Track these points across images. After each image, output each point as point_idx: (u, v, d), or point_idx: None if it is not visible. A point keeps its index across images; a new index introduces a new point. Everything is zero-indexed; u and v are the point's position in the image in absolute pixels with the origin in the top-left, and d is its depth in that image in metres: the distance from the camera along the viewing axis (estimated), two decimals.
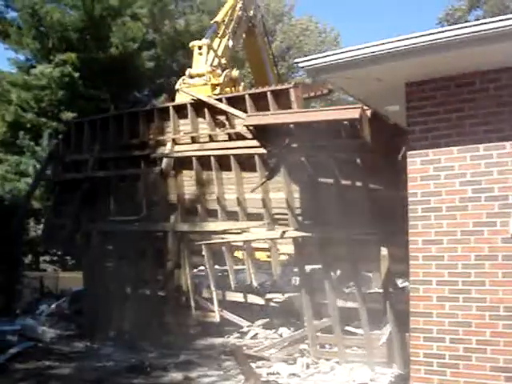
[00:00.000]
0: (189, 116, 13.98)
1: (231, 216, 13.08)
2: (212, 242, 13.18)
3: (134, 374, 10.47)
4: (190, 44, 18.65)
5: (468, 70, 5.82)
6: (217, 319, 12.95)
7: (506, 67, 5.70)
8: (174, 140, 14.21)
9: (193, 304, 13.19)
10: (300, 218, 11.97)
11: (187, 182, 14.02)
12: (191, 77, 16.77)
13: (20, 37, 23.32)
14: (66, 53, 22.15)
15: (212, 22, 19.32)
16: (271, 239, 12.42)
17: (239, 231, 12.75)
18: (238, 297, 13.31)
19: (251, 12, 20.47)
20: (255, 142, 11.96)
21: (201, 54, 17.68)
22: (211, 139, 13.71)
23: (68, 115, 21.71)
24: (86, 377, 10.38)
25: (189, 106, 14.11)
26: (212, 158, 13.36)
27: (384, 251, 10.38)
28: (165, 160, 14.07)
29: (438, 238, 5.86)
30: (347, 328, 11.52)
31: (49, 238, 17.96)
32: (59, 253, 32.32)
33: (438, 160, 5.94)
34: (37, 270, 29.59)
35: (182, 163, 14.05)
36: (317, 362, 11.01)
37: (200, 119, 13.93)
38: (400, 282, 12.20)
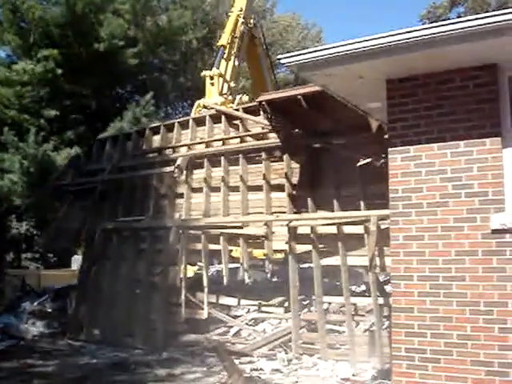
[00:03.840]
0: (206, 125, 14.78)
1: (233, 190, 13.69)
2: (209, 224, 13.47)
3: (118, 371, 10.48)
4: (202, 74, 19.31)
5: (448, 67, 5.85)
6: (205, 316, 12.95)
7: (485, 65, 5.74)
8: (189, 146, 14.87)
9: (183, 301, 13.18)
10: (296, 189, 12.64)
11: (197, 181, 14.48)
12: (205, 107, 17.22)
13: (1, 33, 23.08)
14: (48, 49, 21.94)
15: (218, 45, 19.88)
16: (267, 221, 12.64)
17: (240, 224, 13.00)
18: (231, 302, 13.33)
19: (251, 22, 20.75)
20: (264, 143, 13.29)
21: (213, 84, 18.34)
22: (224, 143, 14.33)
23: (50, 112, 21.53)
24: (69, 374, 10.38)
25: (207, 117, 14.95)
26: (222, 158, 13.99)
27: (373, 227, 10.61)
28: (180, 157, 14.52)
29: (418, 234, 5.89)
30: (330, 326, 11.57)
31: (55, 239, 18.38)
32: (41, 250, 32.24)
33: (418, 156, 5.97)
34: (19, 268, 29.48)
35: (195, 164, 14.55)
36: (300, 358, 11.06)
37: (216, 126, 14.72)
38: (382, 277, 12.30)
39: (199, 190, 14.25)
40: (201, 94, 19.32)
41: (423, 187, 5.93)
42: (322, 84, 6.71)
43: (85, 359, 11.94)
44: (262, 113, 13.25)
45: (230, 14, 20.71)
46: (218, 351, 10.54)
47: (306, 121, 12.26)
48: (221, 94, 18.11)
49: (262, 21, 39.30)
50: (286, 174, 12.69)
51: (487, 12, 5.40)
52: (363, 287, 13.40)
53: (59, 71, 21.83)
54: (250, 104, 15.19)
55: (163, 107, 32.54)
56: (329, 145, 12.08)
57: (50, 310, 16.17)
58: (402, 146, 6.09)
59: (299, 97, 11.53)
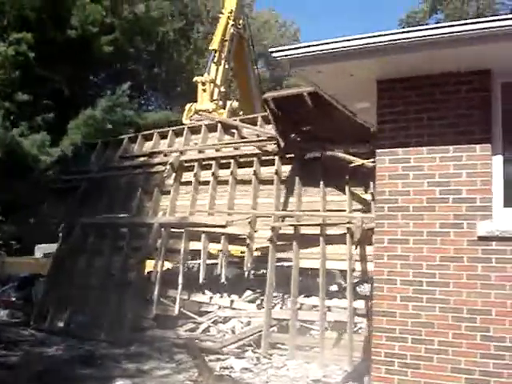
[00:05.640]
0: (201, 133, 14.87)
1: (221, 184, 13.75)
2: (191, 222, 13.37)
3: (84, 365, 10.23)
4: (194, 79, 19.54)
5: (441, 70, 5.77)
6: (175, 313, 12.78)
7: (478, 70, 5.67)
8: (181, 152, 14.79)
9: (156, 297, 13.00)
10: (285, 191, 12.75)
11: (185, 183, 14.46)
12: (196, 112, 17.53)
13: None
14: (22, 32, 21.52)
15: (210, 48, 20.01)
16: (251, 217, 12.64)
17: (223, 223, 12.89)
18: (204, 298, 13.18)
19: (240, 23, 20.78)
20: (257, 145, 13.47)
21: (204, 90, 18.56)
22: (217, 150, 14.42)
23: (23, 97, 21.13)
24: (34, 366, 10.09)
25: (203, 126, 15.04)
26: (214, 162, 14.06)
27: (358, 223, 10.73)
28: (173, 155, 14.52)
29: (404, 238, 5.80)
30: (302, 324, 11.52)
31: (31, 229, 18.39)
32: (4, 236, 31.66)
33: (407, 159, 5.88)
34: None
35: (186, 167, 14.55)
36: (269, 357, 10.97)
37: (211, 134, 14.83)
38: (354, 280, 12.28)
39: (186, 191, 14.20)
40: (175, 85, 19.37)
41: (410, 190, 5.83)
42: (312, 81, 6.56)
43: (49, 351, 11.67)
44: (259, 119, 13.71)
45: (220, 16, 20.67)
46: (189, 348, 10.39)
47: (304, 123, 12.37)
48: (212, 99, 18.24)
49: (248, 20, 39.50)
50: (276, 171, 12.72)
51: (465, 19, 5.33)
52: (335, 287, 13.36)
53: (32, 55, 21.45)
54: (249, 116, 15.36)
55: (136, 97, 32.23)
56: (323, 150, 12.11)
57: (14, 299, 15.85)
58: (390, 147, 5.98)
59: (305, 94, 11.40)
